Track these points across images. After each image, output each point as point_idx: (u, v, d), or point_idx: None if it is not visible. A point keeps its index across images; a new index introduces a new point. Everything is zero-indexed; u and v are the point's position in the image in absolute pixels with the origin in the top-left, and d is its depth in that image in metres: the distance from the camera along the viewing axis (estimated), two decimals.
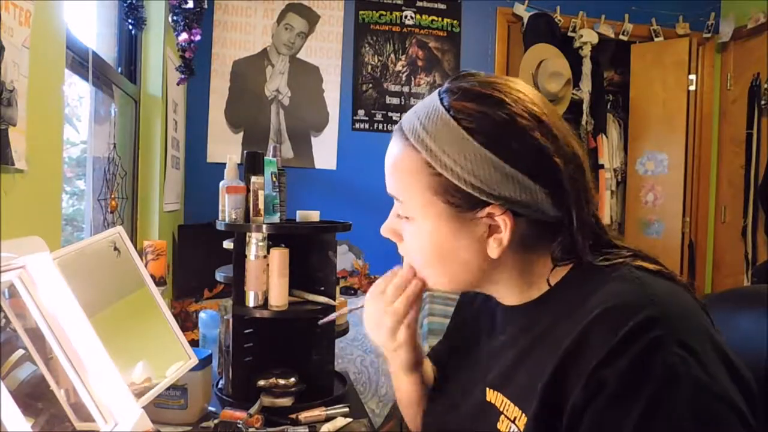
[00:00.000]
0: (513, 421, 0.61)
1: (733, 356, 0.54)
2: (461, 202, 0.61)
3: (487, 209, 0.61)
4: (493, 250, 0.62)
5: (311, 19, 3.12)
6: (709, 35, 3.53)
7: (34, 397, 0.69)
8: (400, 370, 0.80)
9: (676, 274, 0.62)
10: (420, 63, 3.26)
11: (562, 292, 0.64)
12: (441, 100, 0.63)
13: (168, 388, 1.02)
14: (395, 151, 0.66)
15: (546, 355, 0.58)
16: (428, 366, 0.84)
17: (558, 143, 0.61)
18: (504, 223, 0.61)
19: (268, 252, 1.25)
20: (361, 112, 3.20)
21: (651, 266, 0.62)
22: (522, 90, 0.63)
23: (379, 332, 0.75)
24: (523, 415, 0.59)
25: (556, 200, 0.60)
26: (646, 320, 0.52)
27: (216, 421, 1.14)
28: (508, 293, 0.68)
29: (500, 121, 0.60)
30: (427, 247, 0.65)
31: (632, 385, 0.51)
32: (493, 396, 0.66)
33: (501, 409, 0.64)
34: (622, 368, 0.51)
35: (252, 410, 1.19)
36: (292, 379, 1.26)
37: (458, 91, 0.62)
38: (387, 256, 3.49)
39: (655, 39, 3.50)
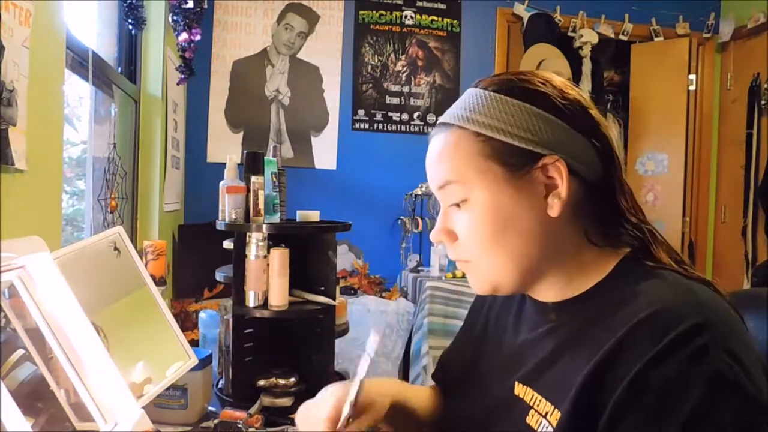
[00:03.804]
0: (544, 416, 0.60)
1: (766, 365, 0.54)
2: (515, 159, 0.63)
3: (541, 161, 0.62)
4: (554, 207, 0.62)
5: (311, 19, 3.12)
6: (709, 35, 3.54)
7: (34, 397, 0.69)
8: None
9: (716, 282, 0.63)
10: (420, 63, 3.26)
11: (604, 290, 0.64)
12: (476, 87, 0.68)
13: (168, 388, 1.02)
14: (439, 141, 0.68)
15: (585, 352, 0.58)
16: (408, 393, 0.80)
17: (591, 104, 0.66)
18: (558, 172, 0.62)
19: (268, 252, 1.25)
20: (361, 112, 3.20)
21: (693, 272, 0.63)
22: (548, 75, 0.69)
23: None
24: (556, 410, 0.59)
25: (600, 153, 0.63)
26: (694, 327, 0.52)
27: (216, 421, 1.14)
28: (553, 285, 0.67)
29: (537, 82, 0.65)
30: (488, 222, 0.64)
31: (678, 390, 0.51)
32: (522, 390, 0.66)
33: (531, 404, 0.63)
34: (669, 372, 0.51)
35: (252, 410, 1.19)
36: (292, 379, 1.26)
37: (491, 77, 0.68)
38: (387, 256, 3.48)
39: (655, 39, 3.50)
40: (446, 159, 0.66)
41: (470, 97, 0.67)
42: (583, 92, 0.67)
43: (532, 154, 0.62)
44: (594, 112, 0.65)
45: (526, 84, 0.65)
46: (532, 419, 0.62)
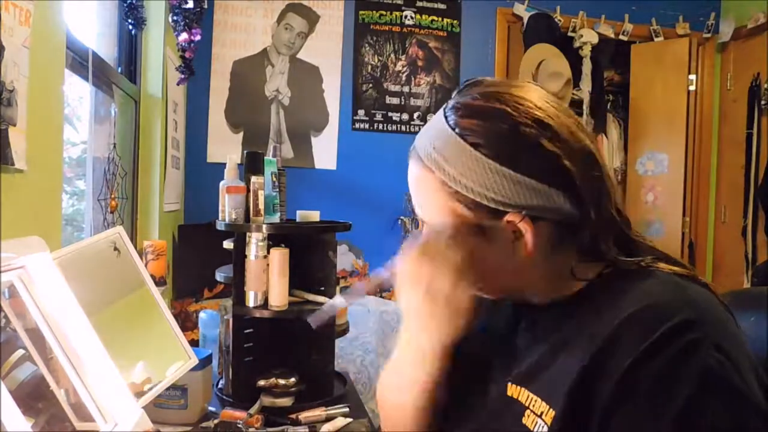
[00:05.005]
0: (540, 416, 0.61)
1: (757, 364, 0.54)
2: (481, 212, 0.63)
3: (507, 218, 0.62)
4: (521, 254, 0.63)
5: (311, 19, 3.12)
6: (709, 35, 3.53)
7: (34, 397, 0.69)
8: (444, 343, 0.68)
9: (706, 279, 0.63)
10: (420, 63, 3.26)
11: (594, 291, 0.64)
12: (446, 118, 0.65)
13: (168, 388, 1.02)
14: (414, 172, 0.69)
15: (577, 351, 0.58)
16: None
17: (567, 145, 0.62)
18: (525, 229, 0.62)
19: (268, 252, 1.25)
20: (361, 112, 3.20)
21: (682, 270, 0.63)
22: (526, 96, 0.64)
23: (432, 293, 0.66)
24: (551, 410, 0.59)
25: (573, 200, 0.61)
26: (684, 322, 0.52)
27: (216, 421, 1.14)
28: (539, 294, 0.68)
29: (505, 133, 0.61)
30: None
31: (668, 387, 0.51)
32: (516, 391, 0.66)
33: (526, 404, 0.64)
34: (658, 369, 0.51)
35: (252, 410, 1.20)
36: (292, 379, 1.26)
37: (461, 108, 0.64)
38: (387, 256, 3.49)
39: (655, 39, 3.50)
40: (418, 195, 0.68)
41: (442, 135, 0.64)
42: (566, 108, 0.65)
43: (498, 210, 0.62)
44: (568, 163, 0.60)
45: (500, 128, 0.61)
46: (528, 419, 0.62)
